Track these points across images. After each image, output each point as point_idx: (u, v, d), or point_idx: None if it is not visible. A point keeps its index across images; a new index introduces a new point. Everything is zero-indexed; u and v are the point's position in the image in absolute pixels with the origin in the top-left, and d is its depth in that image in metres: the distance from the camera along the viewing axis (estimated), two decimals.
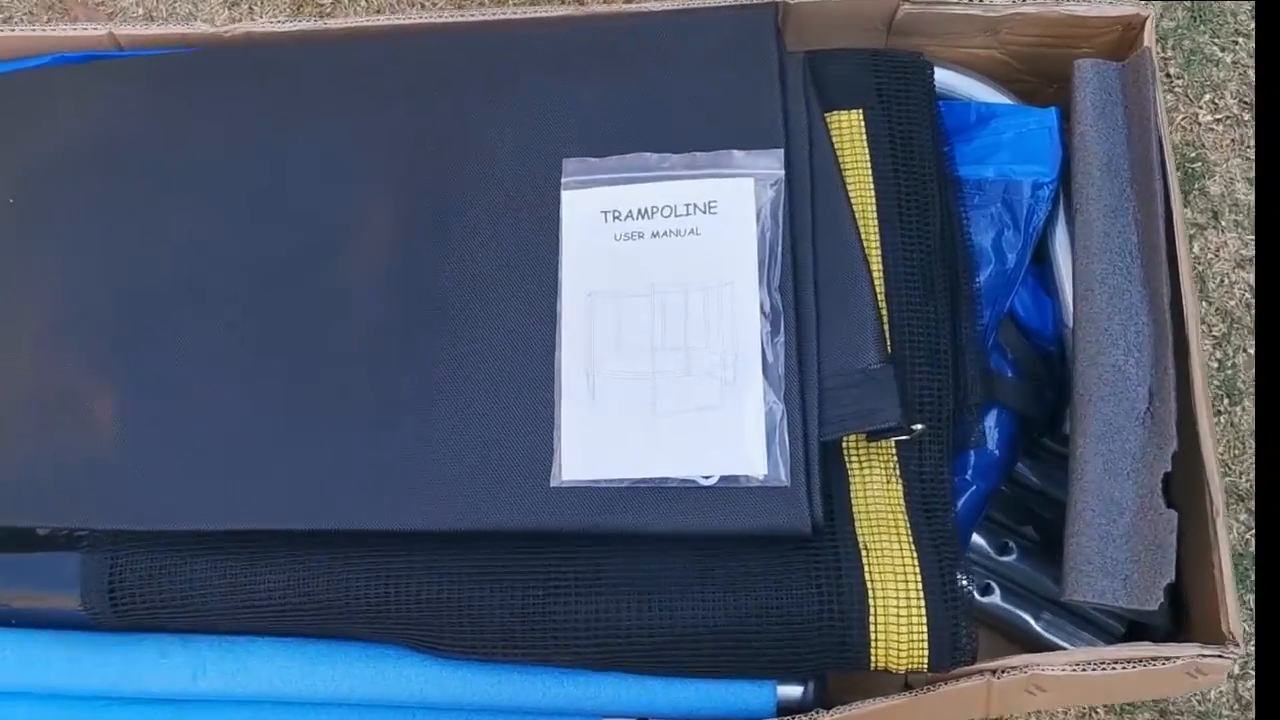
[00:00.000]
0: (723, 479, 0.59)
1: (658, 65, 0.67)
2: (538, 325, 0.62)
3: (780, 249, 0.62)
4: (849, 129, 0.67)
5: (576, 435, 0.60)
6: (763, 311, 0.61)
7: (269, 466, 0.61)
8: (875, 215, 0.65)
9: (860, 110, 0.67)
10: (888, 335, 0.62)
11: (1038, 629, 0.71)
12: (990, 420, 0.68)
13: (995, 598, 0.72)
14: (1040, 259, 0.71)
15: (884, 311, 0.63)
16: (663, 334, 0.61)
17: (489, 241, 0.64)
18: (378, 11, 1.06)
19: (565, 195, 0.64)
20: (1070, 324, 0.67)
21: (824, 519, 0.59)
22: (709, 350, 0.60)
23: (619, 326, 0.61)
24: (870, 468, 0.62)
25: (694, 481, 0.59)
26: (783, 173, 0.63)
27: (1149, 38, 0.68)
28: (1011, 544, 0.73)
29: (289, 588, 0.60)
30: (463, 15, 0.71)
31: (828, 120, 0.67)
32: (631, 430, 0.60)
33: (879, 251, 0.65)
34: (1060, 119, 0.70)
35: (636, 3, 0.71)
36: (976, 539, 0.72)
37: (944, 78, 0.72)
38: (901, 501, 0.61)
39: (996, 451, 0.69)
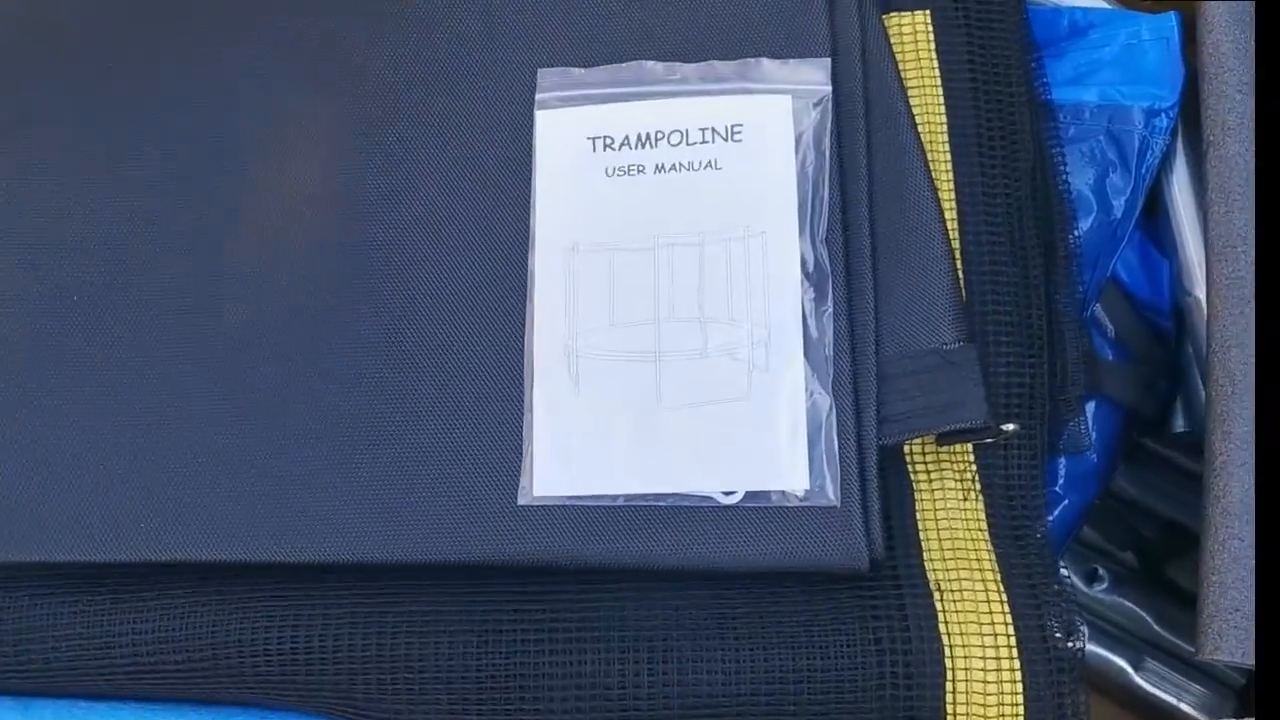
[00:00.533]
0: (749, 496, 0.44)
1: None
2: (501, 290, 0.47)
3: (828, 189, 0.47)
4: (913, 36, 0.52)
5: (552, 437, 0.45)
6: (805, 271, 0.46)
7: (135, 479, 0.46)
8: (947, 147, 0.51)
9: (927, 11, 0.52)
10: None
11: (1138, 680, 0.57)
12: (1087, 416, 0.53)
13: (1082, 640, 0.57)
14: (1152, 209, 0.56)
15: (960, 274, 0.48)
16: (670, 301, 0.46)
17: (435, 185, 0.49)
18: None
19: (540, 115, 0.49)
20: (1194, 291, 0.53)
21: (885, 543, 0.44)
22: (732, 323, 0.45)
23: (611, 291, 0.46)
24: (942, 481, 0.48)
25: (711, 499, 0.44)
26: (829, 88, 0.47)
27: None
28: (1101, 571, 0.59)
29: (160, 638, 0.45)
30: None
31: (885, 24, 0.51)
32: (627, 430, 0.45)
33: (953, 195, 0.50)
34: (1181, 27, 0.55)
35: None
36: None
37: None
38: (984, 525, 0.47)
39: (1094, 456, 0.54)
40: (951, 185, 0.50)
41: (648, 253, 0.46)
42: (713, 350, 0.45)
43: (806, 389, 0.45)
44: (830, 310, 0.45)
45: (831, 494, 0.44)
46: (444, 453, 0.46)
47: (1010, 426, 0.46)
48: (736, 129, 0.47)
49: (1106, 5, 0.58)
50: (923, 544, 0.46)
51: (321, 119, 0.50)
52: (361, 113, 0.50)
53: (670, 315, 0.46)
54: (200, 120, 0.51)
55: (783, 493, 0.44)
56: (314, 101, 0.51)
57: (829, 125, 0.47)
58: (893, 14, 0.52)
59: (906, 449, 0.48)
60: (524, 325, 0.47)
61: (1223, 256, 0.49)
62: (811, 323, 0.45)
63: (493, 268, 0.48)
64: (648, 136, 0.48)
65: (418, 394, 0.46)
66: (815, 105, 0.47)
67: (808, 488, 0.44)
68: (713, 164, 0.47)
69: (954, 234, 0.49)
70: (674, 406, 0.45)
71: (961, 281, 0.48)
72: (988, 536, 0.47)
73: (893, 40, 0.51)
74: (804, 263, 0.46)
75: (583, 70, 0.49)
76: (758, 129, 0.47)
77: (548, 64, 0.49)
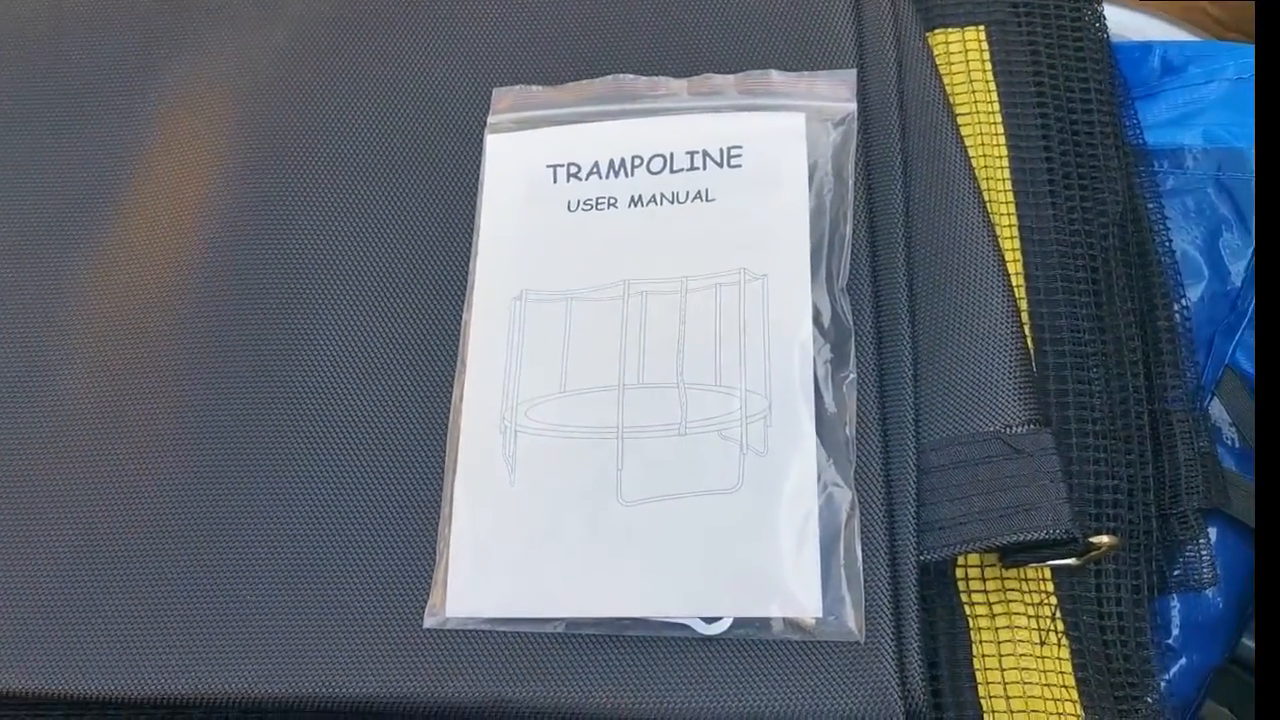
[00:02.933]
0: (740, 624, 0.34)
1: None
2: (426, 349, 0.38)
3: (850, 226, 0.37)
4: (963, 55, 0.44)
5: (474, 539, 0.35)
6: (819, 326, 0.36)
7: None
8: (1008, 186, 0.41)
9: (980, 27, 0.44)
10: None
11: None
12: (1209, 542, 0.42)
13: None
14: None
15: (1029, 340, 0.38)
16: (640, 360, 0.36)
17: (352, 215, 0.41)
18: None
19: (490, 140, 0.41)
20: None
21: (928, 702, 0.33)
22: (722, 390, 0.35)
23: (565, 347, 0.37)
24: (1010, 617, 0.37)
25: (688, 628, 0.34)
26: (854, 106, 0.39)
27: None
28: None
29: None
30: None
31: (929, 41, 0.43)
32: (575, 531, 0.35)
33: (1016, 245, 0.41)
34: None
35: None
36: None
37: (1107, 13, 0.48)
38: (1071, 683, 0.36)
39: (1220, 601, 0.42)
40: (1014, 233, 0.41)
41: (615, 302, 0.37)
42: (694, 425, 0.35)
43: (820, 480, 0.34)
44: (853, 377, 0.35)
45: (852, 624, 0.33)
46: (335, 562, 0.36)
47: (1104, 539, 0.35)
48: (734, 152, 0.39)
49: (1195, 38, 0.49)
50: (983, 701, 0.35)
51: (226, 140, 0.43)
52: (278, 135, 0.43)
53: (639, 379, 0.36)
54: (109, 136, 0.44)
55: (786, 621, 0.33)
56: (227, 116, 0.44)
57: (853, 150, 0.38)
58: (938, 30, 0.44)
59: (960, 570, 0.37)
60: (450, 391, 0.37)
61: None
62: (827, 393, 0.35)
63: (415, 322, 0.39)
64: (622, 163, 0.39)
65: (313, 487, 0.37)
66: (836, 125, 0.39)
67: (820, 615, 0.33)
68: (703, 195, 0.38)
69: (1019, 292, 0.39)
70: (639, 500, 0.35)
71: (1030, 349, 0.38)
72: (1076, 698, 0.35)
73: (939, 60, 0.43)
74: (818, 315, 0.36)
75: (545, 88, 0.41)
76: (761, 152, 0.38)
77: (500, 81, 0.41)
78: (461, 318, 0.38)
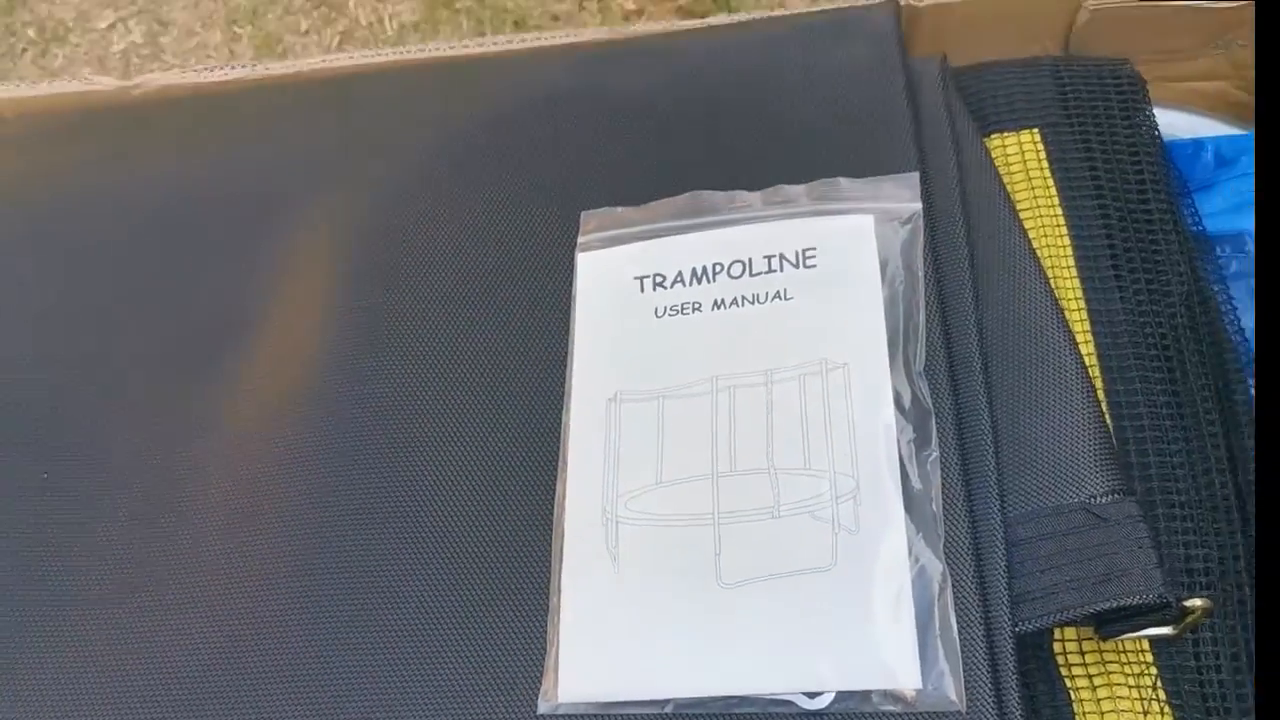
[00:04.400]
0: (842, 698, 0.35)
1: (718, 82, 0.48)
2: (529, 453, 0.41)
3: (923, 314, 0.40)
4: (1019, 155, 0.47)
5: (583, 625, 0.37)
6: (900, 408, 0.38)
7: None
8: (1074, 273, 0.44)
9: (1035, 130, 0.47)
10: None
11: None
12: None
13: None
14: None
15: (1106, 416, 0.40)
16: (732, 449, 0.39)
17: (454, 336, 0.44)
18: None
19: (581, 259, 0.44)
20: None
21: None
22: (811, 473, 0.38)
23: (660, 443, 0.39)
24: (1111, 688, 0.37)
25: (792, 704, 0.35)
26: (920, 205, 0.42)
27: None
28: None
29: None
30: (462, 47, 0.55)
31: (987, 145, 0.46)
32: (679, 614, 0.37)
33: (1086, 327, 0.43)
34: None
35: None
36: None
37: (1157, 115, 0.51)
38: None
39: None
40: (1084, 315, 0.43)
41: (704, 397, 0.40)
42: (787, 509, 0.37)
43: (911, 554, 0.36)
44: (935, 455, 0.37)
45: (953, 694, 0.34)
46: (453, 655, 0.38)
47: (1198, 603, 0.36)
48: (809, 253, 0.42)
49: (1243, 131, 0.52)
50: None
51: (320, 277, 0.47)
52: (380, 275, 0.47)
53: (732, 468, 0.38)
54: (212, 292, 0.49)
55: (887, 693, 0.35)
56: (321, 261, 0.48)
57: (921, 244, 0.41)
58: (994, 135, 0.47)
59: (1058, 644, 0.38)
60: (554, 488, 0.40)
61: None
62: (913, 470, 0.37)
63: (517, 428, 0.42)
64: (704, 270, 0.42)
65: (422, 581, 0.40)
66: (904, 224, 0.42)
67: (920, 686, 0.34)
68: (781, 294, 0.41)
69: (1093, 372, 0.41)
70: (739, 582, 0.37)
71: (1109, 426, 0.39)
72: None
73: (997, 162, 0.46)
74: (898, 398, 0.38)
75: (628, 208, 0.45)
76: (834, 252, 0.41)
77: (589, 204, 0.45)
78: (561, 420, 0.41)
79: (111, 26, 0.99)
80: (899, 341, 0.40)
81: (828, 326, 0.40)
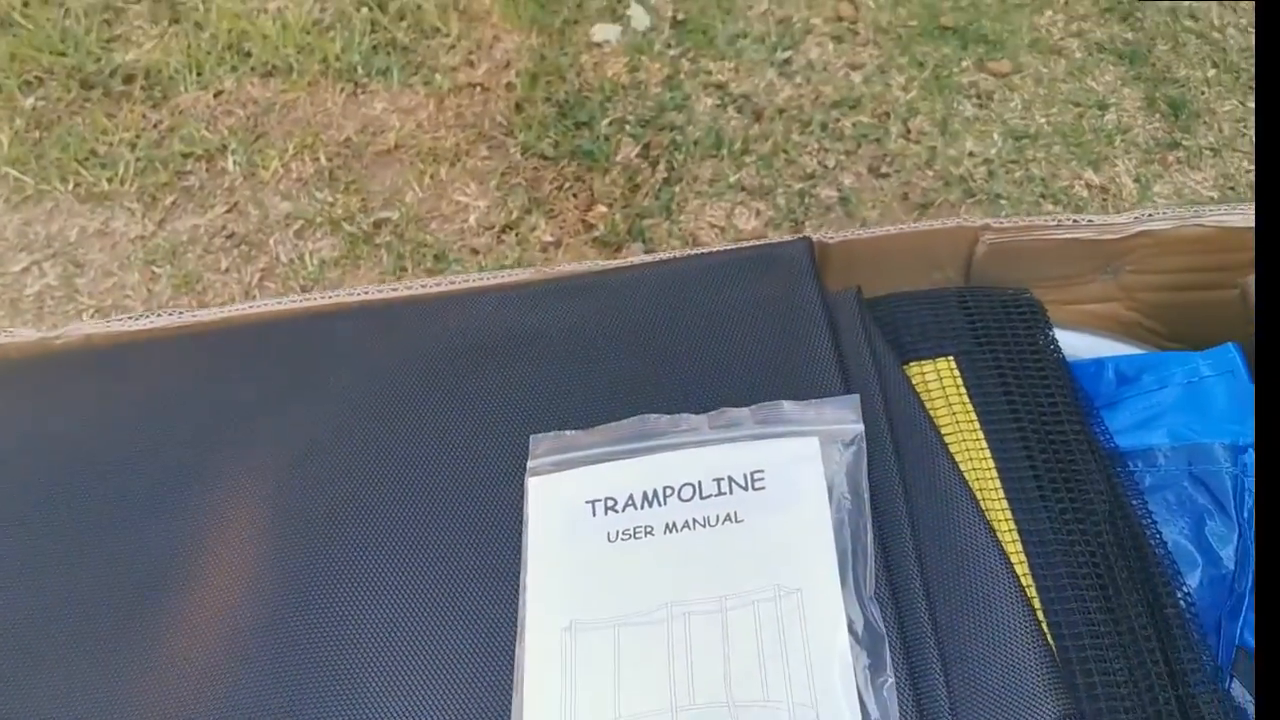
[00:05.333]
0: None
1: (647, 314, 0.50)
2: (482, 683, 0.40)
3: (870, 537, 0.41)
4: (938, 381, 0.49)
5: None
6: (854, 634, 0.38)
7: None
8: (1001, 494, 0.45)
9: (950, 358, 0.49)
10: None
11: None
12: None
13: None
14: None
15: (1048, 636, 0.40)
16: (690, 681, 0.38)
17: (404, 567, 0.44)
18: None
19: (531, 483, 0.44)
20: None
21: None
22: (770, 705, 0.37)
23: (618, 673, 0.39)
24: None
25: None
26: (862, 427, 0.43)
27: None
28: None
29: None
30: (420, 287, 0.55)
31: (906, 373, 0.48)
32: None
33: (1019, 545, 0.44)
34: (1244, 357, 0.51)
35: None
36: None
37: (1058, 337, 0.55)
38: None
39: None
40: (1015, 536, 0.44)
41: (660, 625, 0.39)
42: None
43: None
44: (891, 681, 0.37)
45: None
46: None
47: None
48: (757, 476, 0.42)
49: (1140, 350, 0.55)
50: None
51: (269, 507, 0.46)
52: (325, 496, 0.46)
53: (691, 701, 0.38)
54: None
55: None
56: (271, 492, 0.47)
57: (864, 465, 0.42)
58: (911, 364, 0.49)
59: None
60: None
61: None
62: (869, 698, 0.37)
63: (471, 661, 0.41)
64: (654, 494, 0.43)
65: None
66: (847, 446, 0.43)
67: None
68: (732, 517, 0.42)
69: (1030, 592, 0.42)
70: None
71: (1053, 648, 0.40)
72: None
73: (917, 388, 0.48)
74: (850, 623, 0.38)
75: (578, 431, 0.45)
76: (782, 474, 0.42)
77: (537, 428, 0.46)
78: (515, 649, 0.40)
79: (25, 270, 0.99)
80: (848, 564, 0.40)
81: (779, 550, 0.41)
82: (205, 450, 0.49)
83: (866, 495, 0.42)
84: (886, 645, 0.38)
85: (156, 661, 0.43)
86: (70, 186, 1.05)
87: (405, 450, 0.47)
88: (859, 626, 0.39)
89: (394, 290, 0.56)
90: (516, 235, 1.00)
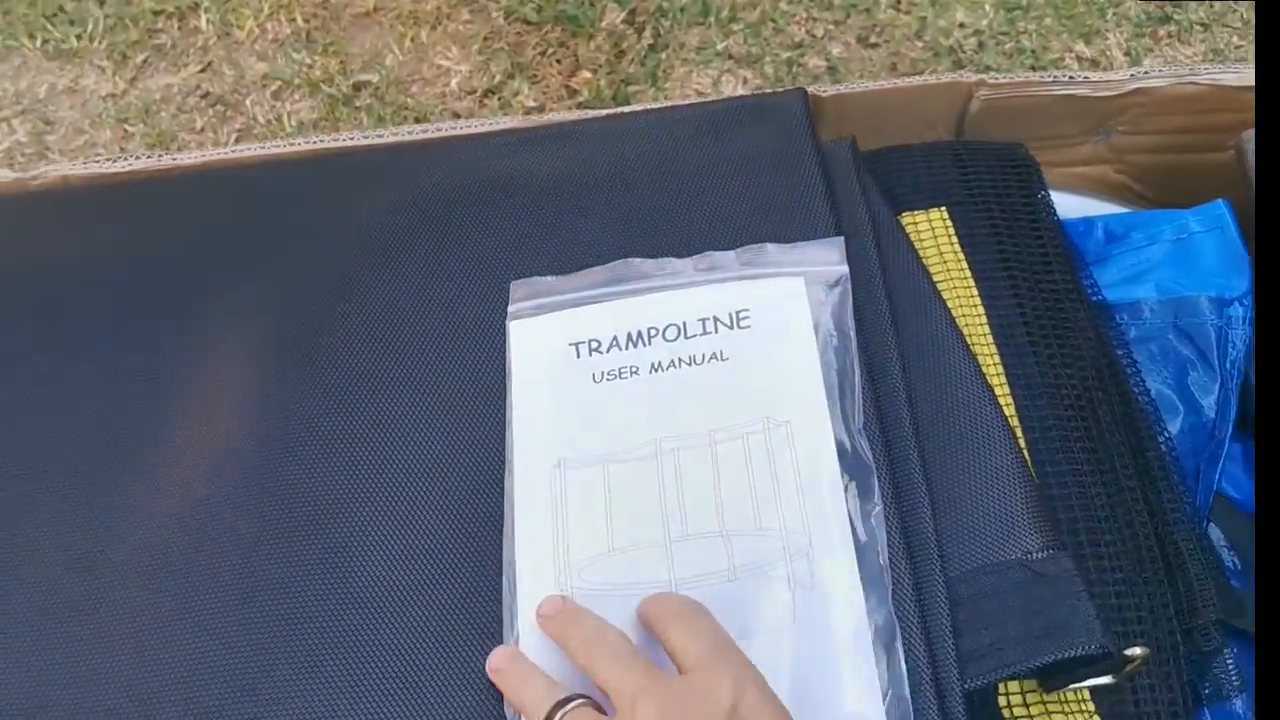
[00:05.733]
0: None
1: (639, 161, 0.49)
2: (472, 519, 0.40)
3: (859, 375, 0.40)
4: (930, 231, 0.48)
5: None
6: (843, 464, 0.38)
7: None
8: (990, 340, 0.45)
9: (943, 208, 0.49)
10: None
11: None
12: (1231, 653, 0.43)
13: None
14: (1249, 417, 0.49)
15: (1033, 473, 0.41)
16: (682, 513, 0.38)
17: (392, 404, 0.43)
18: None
19: (513, 327, 0.44)
20: None
21: None
22: (763, 532, 0.37)
23: (609, 509, 0.39)
24: None
25: None
26: (846, 268, 0.43)
27: None
28: None
29: None
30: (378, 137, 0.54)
31: (900, 222, 0.48)
32: None
33: (1007, 391, 0.44)
34: (1232, 212, 0.51)
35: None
36: None
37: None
38: None
39: (1249, 716, 0.43)
40: (1003, 379, 0.44)
41: (650, 460, 0.39)
42: (742, 570, 0.37)
43: (868, 608, 0.36)
44: (879, 509, 0.38)
45: None
46: None
47: (1137, 650, 0.36)
48: (743, 315, 0.42)
49: (1129, 209, 0.55)
50: None
51: (250, 346, 0.46)
52: (306, 338, 0.46)
53: (684, 533, 0.38)
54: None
55: None
56: (254, 333, 0.46)
57: (850, 306, 0.42)
58: (904, 214, 0.49)
59: (1003, 699, 0.38)
60: (501, 559, 0.39)
61: None
62: (859, 525, 0.37)
63: (460, 501, 0.41)
64: (639, 335, 0.42)
65: (368, 660, 0.38)
66: (832, 287, 0.42)
67: None
68: (719, 355, 0.41)
69: (1016, 432, 0.42)
70: None
71: (1038, 484, 0.40)
72: None
73: (910, 237, 0.47)
74: (841, 452, 0.39)
75: (558, 277, 0.45)
76: (768, 312, 0.42)
77: (523, 276, 0.45)
78: (504, 487, 0.40)
79: None
80: (836, 398, 0.40)
81: (767, 385, 0.41)
82: (185, 290, 0.49)
83: (853, 334, 0.41)
84: (875, 476, 0.38)
85: (146, 489, 0.43)
86: (39, 44, 1.01)
87: (387, 293, 0.46)
88: (848, 458, 0.39)
89: (379, 137, 0.54)
90: (499, 100, 0.98)
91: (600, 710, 0.34)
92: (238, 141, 0.94)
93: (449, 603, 0.39)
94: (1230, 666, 0.41)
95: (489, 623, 0.38)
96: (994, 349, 0.45)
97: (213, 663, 0.39)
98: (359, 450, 0.42)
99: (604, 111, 0.54)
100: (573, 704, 0.34)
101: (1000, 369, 0.44)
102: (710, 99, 0.53)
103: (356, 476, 0.42)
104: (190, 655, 0.39)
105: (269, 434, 0.43)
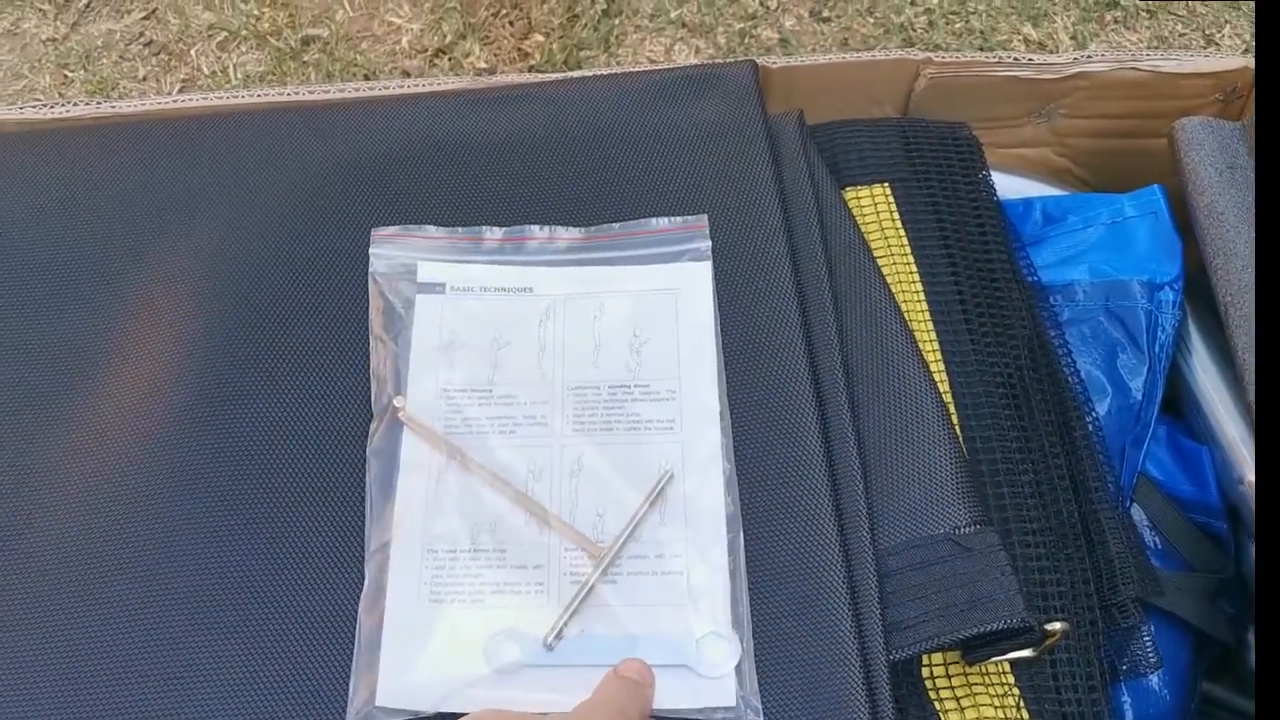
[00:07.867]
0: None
1: (579, 126, 0.48)
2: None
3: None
4: (872, 207, 0.48)
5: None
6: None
7: None
8: (928, 315, 0.45)
9: (886, 184, 0.49)
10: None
11: None
12: (1149, 630, 0.44)
13: None
14: (1175, 405, 0.50)
15: (964, 450, 0.41)
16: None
17: (266, 346, 0.43)
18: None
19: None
20: (1247, 476, 0.45)
21: None
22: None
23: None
24: (977, 709, 0.38)
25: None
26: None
27: None
28: None
29: None
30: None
31: (843, 197, 0.47)
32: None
33: (942, 366, 0.44)
34: (1167, 198, 0.51)
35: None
36: None
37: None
38: None
39: (1166, 693, 0.44)
40: (939, 356, 0.44)
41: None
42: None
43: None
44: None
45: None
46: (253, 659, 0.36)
47: (1056, 625, 0.37)
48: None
49: (1068, 192, 0.55)
50: None
51: (183, 301, 0.45)
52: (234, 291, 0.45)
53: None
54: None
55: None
56: (186, 287, 0.45)
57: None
58: (848, 188, 0.48)
59: (926, 670, 0.38)
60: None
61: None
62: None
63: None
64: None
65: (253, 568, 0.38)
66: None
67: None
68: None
69: (950, 409, 0.42)
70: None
71: (969, 460, 0.40)
72: None
73: (853, 211, 0.47)
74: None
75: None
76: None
77: None
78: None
79: None
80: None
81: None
82: (120, 243, 0.47)
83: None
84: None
85: (84, 432, 0.42)
86: None
87: (308, 252, 0.45)
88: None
89: (325, 92, 0.53)
90: (450, 60, 0.96)
91: None
92: (181, 92, 0.92)
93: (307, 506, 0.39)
94: (1148, 644, 0.42)
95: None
96: (931, 326, 0.45)
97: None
98: (275, 391, 0.42)
99: (554, 76, 0.53)
100: None
101: (936, 346, 0.44)
102: (661, 67, 0.52)
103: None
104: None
105: (202, 383, 0.42)
